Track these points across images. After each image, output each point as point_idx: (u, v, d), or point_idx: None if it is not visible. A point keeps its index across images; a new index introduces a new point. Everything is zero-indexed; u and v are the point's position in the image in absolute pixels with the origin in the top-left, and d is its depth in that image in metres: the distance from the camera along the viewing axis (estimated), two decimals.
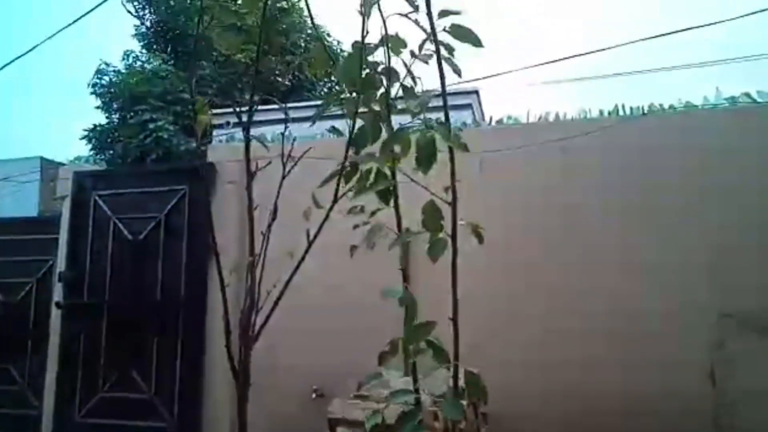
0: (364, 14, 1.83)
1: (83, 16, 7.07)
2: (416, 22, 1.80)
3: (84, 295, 5.27)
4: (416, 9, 1.78)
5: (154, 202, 5.26)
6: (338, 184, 1.99)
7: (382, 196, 1.88)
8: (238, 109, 2.72)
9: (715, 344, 3.83)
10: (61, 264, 5.44)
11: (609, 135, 4.25)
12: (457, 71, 1.81)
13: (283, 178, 2.31)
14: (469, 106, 10.64)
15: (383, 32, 1.86)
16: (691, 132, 4.15)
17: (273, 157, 2.38)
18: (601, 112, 4.51)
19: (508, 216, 4.16)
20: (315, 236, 2.16)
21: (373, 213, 1.92)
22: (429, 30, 1.78)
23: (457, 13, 1.76)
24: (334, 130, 2.19)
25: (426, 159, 1.69)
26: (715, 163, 4.03)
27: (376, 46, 1.88)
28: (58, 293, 5.36)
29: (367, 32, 1.86)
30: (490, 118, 4.98)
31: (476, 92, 11.07)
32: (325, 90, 14.82)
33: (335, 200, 2.00)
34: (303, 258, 2.20)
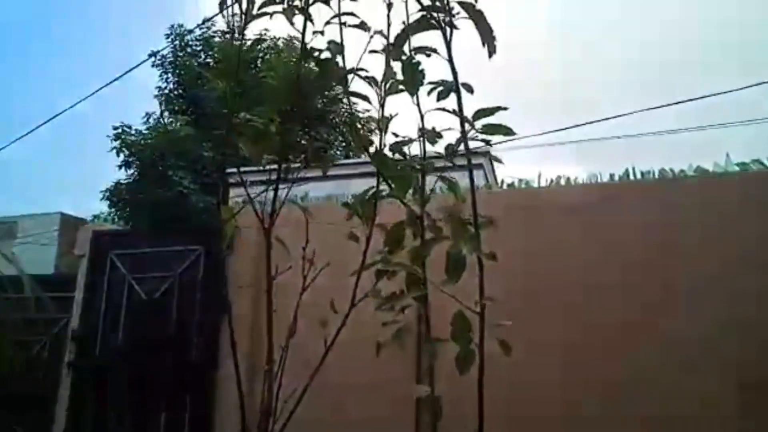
0: (381, 127, 1.93)
1: (110, 83, 7.39)
2: (454, 112, 1.87)
3: (96, 354, 5.26)
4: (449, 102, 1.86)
5: (169, 262, 5.32)
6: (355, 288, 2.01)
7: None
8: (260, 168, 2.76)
9: (738, 414, 3.70)
10: (74, 322, 5.47)
11: (618, 200, 4.29)
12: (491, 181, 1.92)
13: (302, 292, 2.30)
14: (480, 166, 10.79)
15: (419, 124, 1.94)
16: (704, 197, 4.16)
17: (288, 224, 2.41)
18: (611, 176, 4.56)
19: (525, 278, 4.13)
20: (333, 339, 2.17)
21: (402, 310, 1.92)
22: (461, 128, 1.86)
23: (491, 113, 1.85)
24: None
25: (455, 271, 1.74)
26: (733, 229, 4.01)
27: (412, 140, 1.98)
28: (70, 352, 5.36)
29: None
30: (502, 181, 5.05)
31: (488, 152, 11.23)
32: (341, 149, 15.16)
33: (353, 303, 2.00)
34: (321, 362, 2.19)
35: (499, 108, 1.86)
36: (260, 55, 14.84)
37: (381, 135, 2.00)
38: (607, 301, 4.08)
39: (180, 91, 15.84)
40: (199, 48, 16.39)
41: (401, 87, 1.98)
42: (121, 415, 5.04)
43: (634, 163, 4.52)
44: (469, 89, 1.86)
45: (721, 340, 3.82)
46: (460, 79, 1.86)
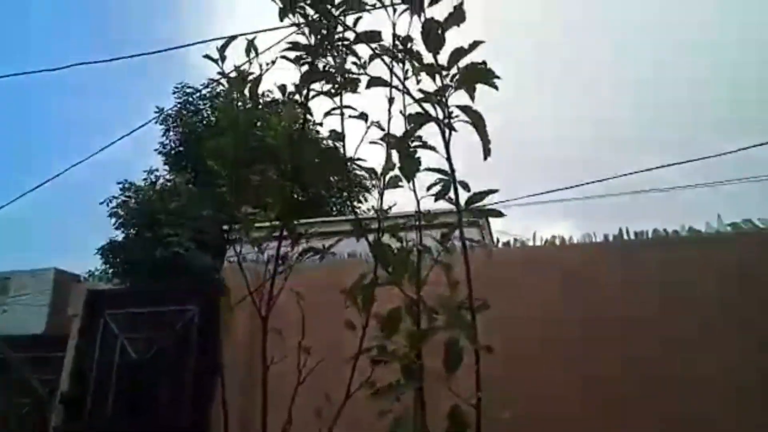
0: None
1: (115, 142, 7.51)
2: (450, 200, 1.96)
3: (84, 418, 5.11)
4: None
5: (163, 322, 5.26)
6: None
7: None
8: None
9: None
10: (64, 384, 5.34)
11: (611, 260, 4.31)
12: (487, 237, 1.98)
13: (297, 386, 2.28)
14: (476, 223, 10.86)
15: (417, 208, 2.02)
16: (699, 257, 4.18)
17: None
18: (606, 237, 4.60)
19: (525, 331, 4.09)
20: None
21: (397, 398, 1.90)
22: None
23: (482, 197, 1.94)
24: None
25: (453, 363, 1.76)
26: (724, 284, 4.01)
27: (410, 224, 2.04)
28: (56, 416, 5.20)
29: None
30: (497, 240, 5.07)
31: (490, 191, 11.31)
32: (337, 206, 15.26)
33: (347, 394, 1.98)
34: None
35: (490, 191, 1.98)
36: (261, 111, 15.18)
37: (380, 224, 2.05)
38: (606, 356, 4.04)
39: (181, 148, 16.11)
40: (202, 106, 16.80)
41: (400, 178, 2.07)
42: None
43: (621, 220, 4.61)
44: (465, 186, 1.95)
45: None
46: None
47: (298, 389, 2.25)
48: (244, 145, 2.78)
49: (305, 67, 2.25)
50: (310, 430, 2.19)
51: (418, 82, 1.97)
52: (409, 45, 1.99)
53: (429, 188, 1.99)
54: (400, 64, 2.02)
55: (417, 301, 1.93)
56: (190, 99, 16.39)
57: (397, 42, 2.03)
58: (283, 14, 2.14)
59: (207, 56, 2.64)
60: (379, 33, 2.06)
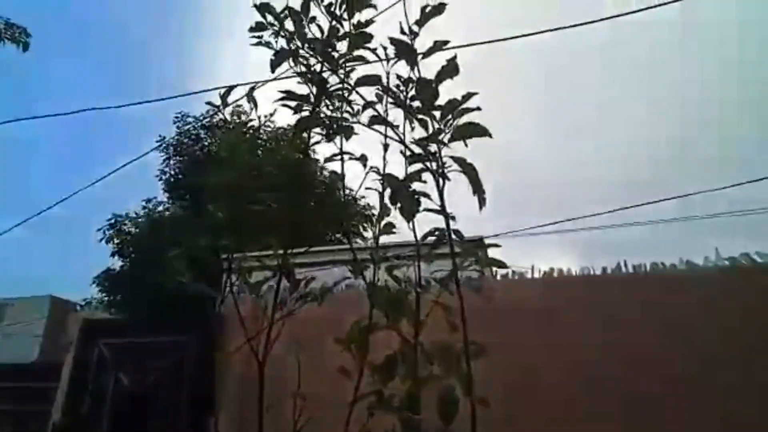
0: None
1: (113, 172, 7.57)
2: (451, 252, 1.97)
3: None
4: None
5: (158, 353, 5.21)
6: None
7: None
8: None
9: None
10: (56, 415, 5.26)
11: (615, 293, 4.29)
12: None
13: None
14: (473, 253, 10.86)
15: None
16: (694, 290, 4.17)
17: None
18: (604, 270, 4.59)
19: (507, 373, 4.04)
20: None
21: None
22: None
23: (480, 244, 1.99)
24: None
25: (448, 413, 1.77)
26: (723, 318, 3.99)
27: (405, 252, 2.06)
28: None
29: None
30: (495, 272, 5.06)
31: (481, 240, 11.36)
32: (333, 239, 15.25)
33: None
34: None
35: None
36: (261, 142, 15.31)
37: (374, 267, 2.07)
38: (605, 392, 3.99)
39: (181, 176, 16.18)
40: (202, 135, 16.93)
41: (394, 225, 2.11)
42: None
43: (616, 255, 4.60)
44: (460, 236, 1.98)
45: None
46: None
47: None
48: (243, 178, 2.80)
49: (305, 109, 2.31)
50: None
51: (413, 129, 2.02)
52: (405, 91, 2.05)
53: (424, 237, 2.02)
54: (397, 108, 2.07)
55: (415, 344, 1.92)
56: (191, 128, 16.52)
57: (393, 89, 2.08)
58: (275, 64, 2.20)
59: (209, 103, 2.70)
60: (378, 77, 2.12)
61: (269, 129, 15.86)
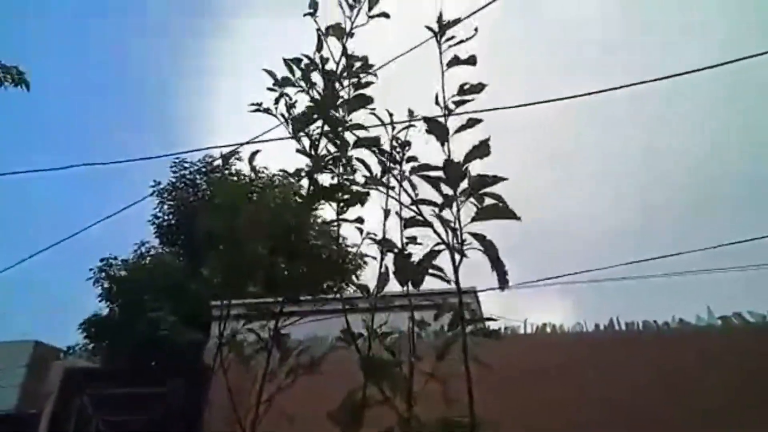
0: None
1: (107, 218, 7.57)
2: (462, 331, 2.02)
3: None
4: None
5: (141, 403, 5.06)
6: None
7: None
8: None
9: None
10: None
11: (605, 352, 4.26)
12: None
13: None
14: (468, 305, 10.76)
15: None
16: (685, 350, 4.15)
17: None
18: (597, 326, 4.57)
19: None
20: None
21: None
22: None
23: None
24: None
25: None
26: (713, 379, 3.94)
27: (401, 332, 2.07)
28: None
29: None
30: (487, 329, 5.00)
31: (474, 292, 11.29)
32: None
33: None
34: None
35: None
36: (257, 187, 15.41)
37: (369, 338, 2.05)
38: None
39: (174, 221, 16.16)
40: (198, 181, 17.01)
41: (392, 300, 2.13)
42: None
43: (618, 312, 4.58)
44: (472, 314, 2.00)
45: None
46: None
47: None
48: (239, 226, 2.81)
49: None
50: None
51: (415, 203, 2.03)
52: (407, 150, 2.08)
53: (436, 318, 2.02)
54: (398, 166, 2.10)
55: (409, 417, 1.88)
56: (186, 173, 16.63)
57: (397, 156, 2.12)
58: (297, 129, 2.26)
59: (209, 170, 2.73)
60: (378, 139, 2.16)
61: (263, 176, 15.99)
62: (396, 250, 2.04)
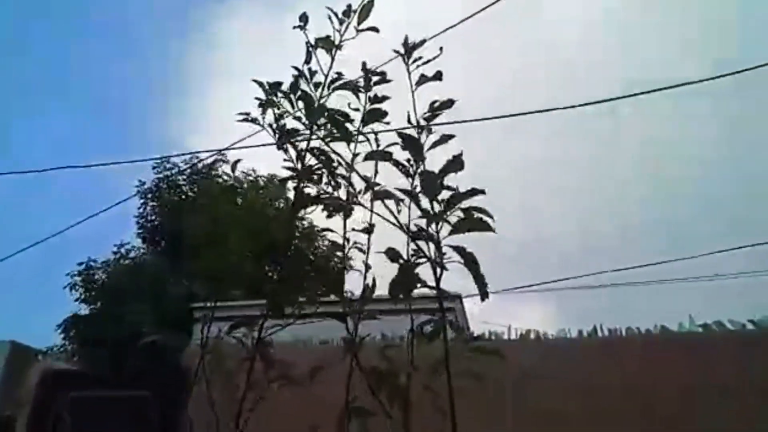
0: None
1: (89, 218, 7.47)
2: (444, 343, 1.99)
3: None
4: None
5: (121, 407, 4.98)
6: None
7: None
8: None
9: None
10: None
11: (590, 356, 4.28)
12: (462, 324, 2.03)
13: None
14: (452, 309, 10.80)
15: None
16: (668, 355, 4.19)
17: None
18: (580, 333, 4.60)
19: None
20: None
21: None
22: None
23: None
24: None
25: None
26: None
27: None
28: None
29: None
30: (471, 334, 5.02)
31: (459, 297, 11.32)
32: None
33: None
34: None
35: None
36: (241, 191, 15.29)
37: (355, 356, 2.05)
38: None
39: (158, 222, 15.96)
40: (182, 182, 16.83)
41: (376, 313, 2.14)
42: None
43: (603, 318, 4.63)
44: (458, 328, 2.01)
45: None
46: None
47: None
48: (224, 228, 2.79)
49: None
50: None
51: (409, 208, 2.05)
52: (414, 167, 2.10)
53: (422, 327, 2.04)
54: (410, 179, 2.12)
55: (406, 423, 1.89)
56: (170, 174, 16.43)
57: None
58: (280, 146, 2.28)
59: (193, 172, 2.71)
60: (390, 153, 2.18)
61: (251, 178, 15.88)
62: (401, 262, 2.06)
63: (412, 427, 1.95)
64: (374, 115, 2.33)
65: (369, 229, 2.29)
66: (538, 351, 4.58)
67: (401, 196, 2.10)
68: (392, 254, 2.15)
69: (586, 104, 5.96)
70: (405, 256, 2.11)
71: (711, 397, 3.91)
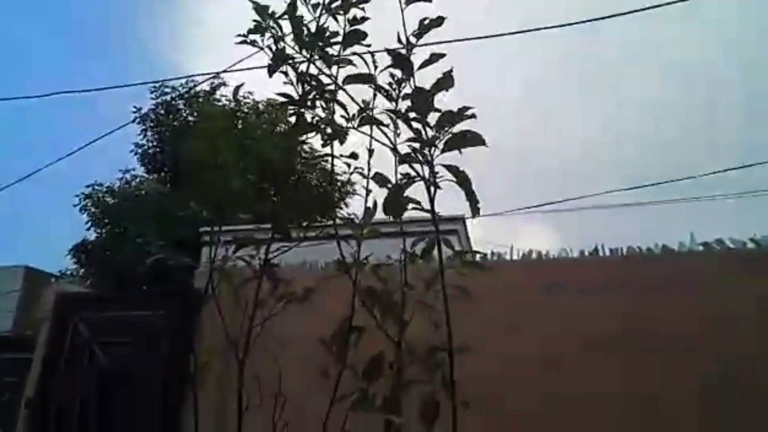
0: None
1: (93, 142, 7.41)
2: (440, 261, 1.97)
3: (51, 422, 4.99)
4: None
5: (134, 327, 5.17)
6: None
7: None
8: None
9: None
10: (30, 389, 5.21)
11: (589, 275, 4.37)
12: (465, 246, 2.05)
13: None
14: (455, 231, 10.93)
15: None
16: (668, 275, 4.26)
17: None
18: (582, 252, 4.65)
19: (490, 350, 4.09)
20: None
21: None
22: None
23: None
24: None
25: (429, 416, 1.83)
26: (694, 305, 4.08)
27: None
28: (22, 420, 5.08)
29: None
30: (474, 256, 5.09)
31: (462, 219, 11.43)
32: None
33: None
34: None
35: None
36: (241, 114, 15.08)
37: (356, 278, 2.07)
38: (566, 374, 4.08)
39: (158, 148, 15.88)
40: (180, 107, 16.57)
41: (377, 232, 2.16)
42: None
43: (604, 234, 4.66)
44: (450, 246, 2.01)
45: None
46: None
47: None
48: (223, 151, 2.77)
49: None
50: None
51: (398, 135, 2.03)
52: (398, 91, 2.06)
53: (412, 247, 2.06)
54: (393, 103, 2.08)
55: (399, 341, 1.97)
56: (168, 99, 16.14)
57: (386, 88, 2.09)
58: (273, 69, 2.23)
59: (191, 96, 2.65)
60: (371, 75, 2.13)
61: (248, 102, 15.61)
62: (390, 186, 2.08)
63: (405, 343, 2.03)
64: (354, 37, 2.28)
65: (369, 154, 2.28)
66: (538, 270, 4.65)
67: (390, 120, 2.09)
68: (380, 179, 2.18)
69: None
70: (394, 180, 2.13)
71: (715, 319, 3.99)
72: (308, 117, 2.31)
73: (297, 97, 2.28)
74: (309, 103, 2.26)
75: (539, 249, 4.83)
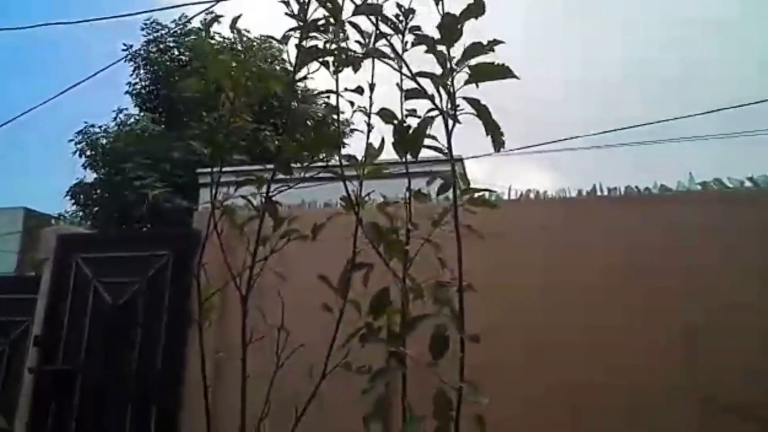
0: None
1: (84, 81, 7.25)
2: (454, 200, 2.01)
3: (59, 360, 5.14)
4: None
5: (136, 267, 5.23)
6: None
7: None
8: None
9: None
10: (37, 327, 5.34)
11: (587, 214, 4.39)
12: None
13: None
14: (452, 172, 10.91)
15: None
16: (669, 213, 4.28)
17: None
18: (579, 192, 4.65)
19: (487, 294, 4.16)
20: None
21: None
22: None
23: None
24: None
25: (438, 349, 1.83)
26: (694, 242, 4.11)
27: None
28: (31, 358, 5.22)
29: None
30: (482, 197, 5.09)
31: (461, 159, 11.38)
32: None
33: (323, 375, 2.04)
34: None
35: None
36: (237, 52, 14.66)
37: (357, 206, 2.04)
38: (566, 321, 4.15)
39: (152, 88, 15.56)
40: (172, 44, 16.11)
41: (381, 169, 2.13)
42: (85, 419, 4.93)
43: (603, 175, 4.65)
44: (466, 180, 1.99)
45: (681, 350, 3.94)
46: None
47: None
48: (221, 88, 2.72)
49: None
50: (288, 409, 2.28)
51: (401, 67, 1.95)
52: (405, 23, 1.97)
53: (428, 185, 2.03)
54: (400, 36, 2.00)
55: (404, 277, 1.99)
56: (160, 36, 15.65)
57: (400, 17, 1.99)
58: None
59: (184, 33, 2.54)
60: (381, 6, 2.03)
61: (245, 39, 15.17)
62: (396, 122, 2.02)
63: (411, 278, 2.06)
64: None
65: (370, 88, 2.22)
66: (537, 209, 4.67)
67: (394, 54, 2.01)
68: (386, 114, 2.12)
69: None
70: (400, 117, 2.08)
71: (713, 255, 4.03)
72: (318, 44, 2.21)
73: (302, 27, 2.17)
74: (317, 32, 2.15)
75: (537, 189, 4.84)
